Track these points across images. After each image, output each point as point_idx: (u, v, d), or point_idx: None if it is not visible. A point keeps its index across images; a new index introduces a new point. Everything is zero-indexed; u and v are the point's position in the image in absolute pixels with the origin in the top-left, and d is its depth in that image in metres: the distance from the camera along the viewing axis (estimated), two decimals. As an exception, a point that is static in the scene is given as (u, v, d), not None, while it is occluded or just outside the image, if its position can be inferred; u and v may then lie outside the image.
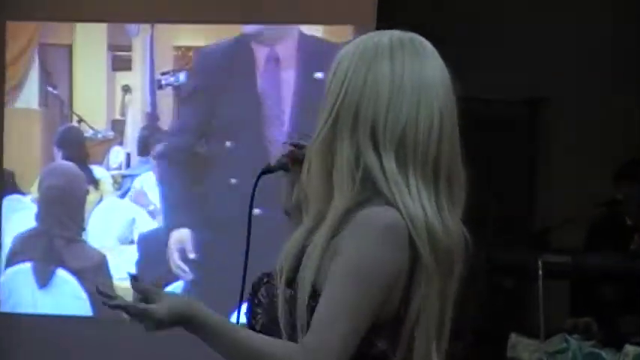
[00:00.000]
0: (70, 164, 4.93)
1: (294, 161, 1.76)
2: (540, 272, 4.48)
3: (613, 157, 4.99)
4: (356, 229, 1.51)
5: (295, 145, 1.79)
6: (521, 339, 4.41)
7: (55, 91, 5.11)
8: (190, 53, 5.15)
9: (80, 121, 5.08)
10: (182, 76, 5.06)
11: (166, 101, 5.12)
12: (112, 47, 5.19)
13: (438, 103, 1.61)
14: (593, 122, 5.84)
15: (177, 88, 5.08)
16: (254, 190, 1.79)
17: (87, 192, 5.09)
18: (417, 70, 1.60)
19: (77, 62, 5.24)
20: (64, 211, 5.13)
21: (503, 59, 5.85)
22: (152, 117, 4.94)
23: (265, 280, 1.62)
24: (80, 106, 5.22)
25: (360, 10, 5.04)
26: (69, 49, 5.27)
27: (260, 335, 1.53)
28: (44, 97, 5.28)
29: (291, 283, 1.52)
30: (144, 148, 4.84)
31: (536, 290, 4.46)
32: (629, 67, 6.03)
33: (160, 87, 4.93)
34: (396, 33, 1.64)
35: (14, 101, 5.30)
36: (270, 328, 1.55)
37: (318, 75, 4.73)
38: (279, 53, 5.05)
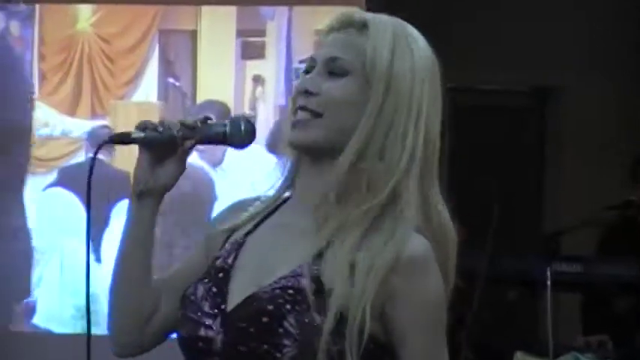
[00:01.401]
0: (197, 166, 4.71)
1: (169, 143, 1.69)
2: (549, 282, 4.34)
3: (630, 155, 5.00)
4: (426, 273, 1.57)
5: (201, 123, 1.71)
6: (527, 358, 4.37)
7: (176, 83, 5.04)
8: (332, 38, 5.04)
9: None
10: (323, 65, 4.98)
11: (304, 93, 5.01)
12: (241, 33, 5.04)
13: None
14: (608, 116, 5.86)
15: (316, 79, 4.99)
16: (92, 160, 1.72)
17: (216, 197, 4.99)
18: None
19: (202, 50, 5.11)
20: (188, 219, 5.02)
21: (508, 45, 5.94)
22: (287, 111, 5.03)
23: (289, 306, 1.54)
24: (205, 100, 5.12)
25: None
26: (193, 35, 5.15)
27: None
28: (164, 90, 5.21)
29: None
30: (275, 146, 4.74)
31: (544, 302, 4.36)
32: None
33: (298, 77, 5.07)
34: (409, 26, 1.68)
35: (131, 94, 5.21)
36: None
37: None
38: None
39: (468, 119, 5.73)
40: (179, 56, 5.06)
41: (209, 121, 1.71)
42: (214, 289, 1.62)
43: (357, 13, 1.68)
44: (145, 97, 5.23)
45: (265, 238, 1.66)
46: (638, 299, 4.66)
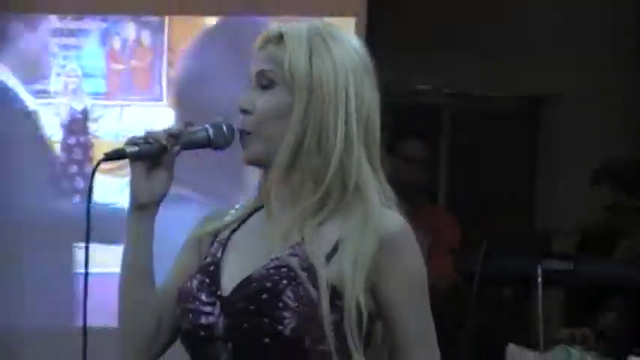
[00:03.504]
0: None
1: (160, 153, 1.75)
2: (540, 279, 4.32)
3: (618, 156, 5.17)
4: (407, 246, 1.66)
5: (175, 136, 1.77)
6: (519, 350, 4.40)
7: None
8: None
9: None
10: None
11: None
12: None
13: None
14: (599, 120, 5.97)
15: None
16: (92, 176, 1.78)
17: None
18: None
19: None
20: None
21: (503, 52, 5.96)
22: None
23: (286, 282, 1.63)
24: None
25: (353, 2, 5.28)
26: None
27: None
28: None
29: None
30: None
31: (535, 298, 4.37)
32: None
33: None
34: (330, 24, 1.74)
35: None
36: (301, 332, 1.61)
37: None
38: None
39: (466, 124, 6.44)
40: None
41: (191, 128, 1.76)
42: (207, 280, 1.68)
43: (275, 26, 1.71)
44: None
45: (249, 236, 1.75)
46: (624, 297, 4.67)
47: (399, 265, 1.64)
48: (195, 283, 1.70)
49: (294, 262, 1.62)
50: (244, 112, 1.69)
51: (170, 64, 5.37)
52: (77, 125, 5.44)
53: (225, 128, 1.74)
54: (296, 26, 1.69)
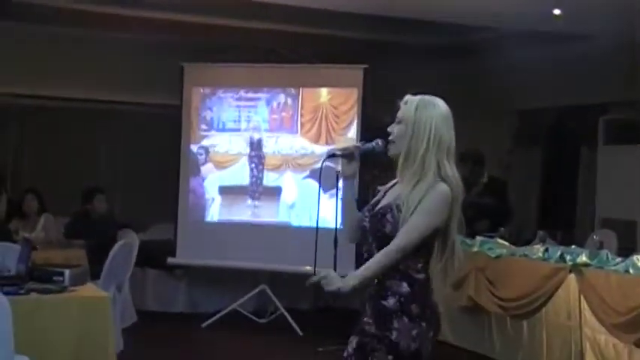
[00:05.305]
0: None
1: (352, 155, 2.72)
2: None
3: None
4: (432, 194, 2.59)
5: (358, 148, 2.73)
6: None
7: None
8: None
9: None
10: None
11: None
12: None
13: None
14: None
15: None
16: (322, 165, 2.83)
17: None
18: (448, 115, 2.68)
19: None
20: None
21: None
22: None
23: (389, 211, 2.64)
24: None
25: (356, 80, 7.18)
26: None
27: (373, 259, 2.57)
28: (361, 133, 7.28)
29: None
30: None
31: None
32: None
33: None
34: (432, 98, 2.71)
35: (346, 134, 7.29)
36: (393, 231, 2.60)
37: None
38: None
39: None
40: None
41: (365, 143, 2.74)
42: (372, 207, 2.74)
43: (405, 97, 2.71)
44: (352, 136, 7.14)
45: (392, 190, 2.73)
46: (476, 209, 6.82)
47: (427, 196, 2.61)
48: (366, 208, 2.74)
49: (393, 205, 2.63)
50: (390, 133, 2.70)
51: (301, 116, 7.51)
52: (255, 146, 7.69)
53: (380, 143, 2.75)
54: (413, 97, 2.68)
